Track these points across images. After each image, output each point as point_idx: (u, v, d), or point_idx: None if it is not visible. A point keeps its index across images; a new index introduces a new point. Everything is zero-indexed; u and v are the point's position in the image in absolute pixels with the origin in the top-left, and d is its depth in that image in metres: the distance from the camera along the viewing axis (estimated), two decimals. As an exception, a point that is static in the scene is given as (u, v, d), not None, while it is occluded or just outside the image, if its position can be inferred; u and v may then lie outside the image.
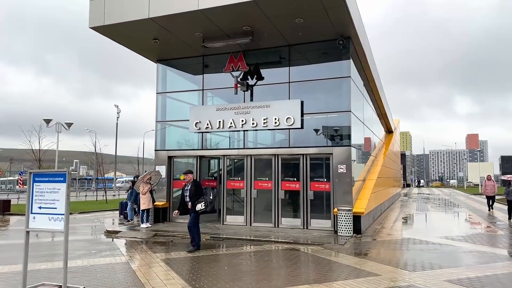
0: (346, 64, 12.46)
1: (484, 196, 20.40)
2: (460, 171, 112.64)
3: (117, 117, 46.82)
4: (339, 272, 7.30)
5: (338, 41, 12.01)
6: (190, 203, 9.15)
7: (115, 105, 46.20)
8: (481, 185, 51.70)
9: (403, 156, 68.81)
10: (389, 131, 27.25)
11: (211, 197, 9.06)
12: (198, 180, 13.87)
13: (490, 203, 19.40)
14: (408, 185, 71.79)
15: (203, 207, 8.98)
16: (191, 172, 9.55)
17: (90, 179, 70.22)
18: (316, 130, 12.82)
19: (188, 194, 9.22)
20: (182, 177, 14.16)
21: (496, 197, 20.22)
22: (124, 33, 12.40)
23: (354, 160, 14.29)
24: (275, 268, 7.69)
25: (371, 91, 17.78)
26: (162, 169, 14.13)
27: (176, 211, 9.63)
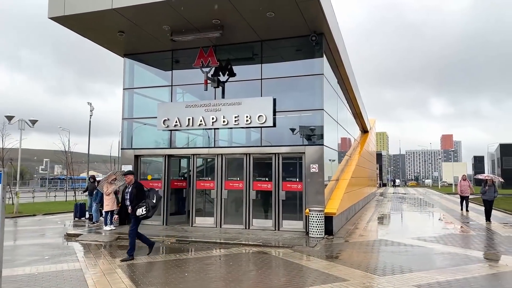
0: (319, 61, 12.15)
1: (458, 196, 20.12)
2: (435, 171, 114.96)
3: (90, 115, 45.39)
4: (306, 277, 6.93)
5: (310, 37, 11.67)
6: (130, 207, 8.33)
7: (88, 103, 44.79)
8: (455, 185, 52.71)
9: (379, 156, 69.62)
10: (364, 130, 27.23)
11: (154, 201, 8.38)
12: (166, 180, 13.35)
13: (465, 204, 18.96)
14: (384, 185, 72.75)
15: (144, 212, 8.19)
16: (132, 173, 8.69)
17: (63, 178, 68.15)
18: (289, 129, 12.47)
19: (128, 197, 8.40)
20: (149, 177, 13.64)
21: (470, 197, 19.96)
22: (86, 25, 11.73)
23: (333, 160, 14.05)
24: (239, 274, 7.25)
25: (345, 90, 17.57)
26: (129, 169, 13.47)
27: (116, 216, 8.88)
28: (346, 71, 15.33)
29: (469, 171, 73.19)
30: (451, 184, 57.95)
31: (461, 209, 19.21)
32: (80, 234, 11.39)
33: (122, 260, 8.11)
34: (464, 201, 19.03)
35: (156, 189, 8.73)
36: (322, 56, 12.06)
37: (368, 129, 27.66)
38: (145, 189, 8.66)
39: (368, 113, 29.25)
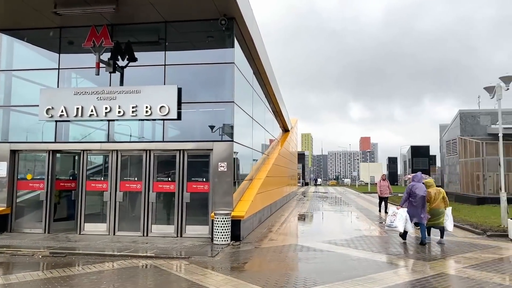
0: (229, 48, 11.01)
1: (374, 195, 19.47)
2: (354, 171, 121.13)
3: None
4: (193, 299, 5.69)
5: (220, 20, 10.50)
6: None
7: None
8: (371, 184, 55.29)
9: (302, 155, 71.15)
10: (285, 129, 26.83)
11: None
12: (50, 180, 11.32)
13: (383, 205, 18.14)
14: (307, 184, 74.41)
15: None
16: None
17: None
18: (196, 123, 11.20)
19: None
20: (29, 177, 11.53)
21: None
22: None
23: (246, 158, 13.01)
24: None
25: (263, 85, 16.71)
26: (3, 166, 11.23)
27: None
28: (263, 64, 14.41)
29: (384, 171, 77.70)
30: (368, 184, 60.76)
31: (379, 211, 18.47)
32: None
33: None
34: (383, 202, 18.23)
35: None
36: (233, 43, 10.93)
37: (289, 128, 27.31)
38: None
39: (293, 115, 29.08)
